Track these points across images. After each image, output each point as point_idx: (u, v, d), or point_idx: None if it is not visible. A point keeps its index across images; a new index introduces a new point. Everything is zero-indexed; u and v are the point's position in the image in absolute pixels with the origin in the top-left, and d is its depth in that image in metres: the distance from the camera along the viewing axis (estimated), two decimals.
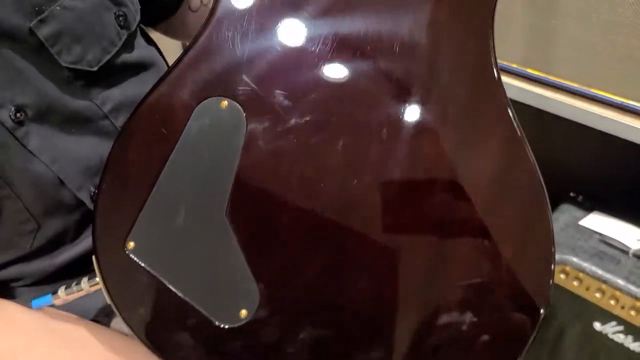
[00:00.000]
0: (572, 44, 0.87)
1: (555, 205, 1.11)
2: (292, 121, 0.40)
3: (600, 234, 0.97)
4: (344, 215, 0.39)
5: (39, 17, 0.43)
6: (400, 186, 0.39)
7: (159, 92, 0.42)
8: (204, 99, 0.41)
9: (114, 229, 0.41)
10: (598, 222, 1.02)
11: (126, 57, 0.50)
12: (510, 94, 0.98)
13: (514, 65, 0.94)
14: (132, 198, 0.41)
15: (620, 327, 0.92)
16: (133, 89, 0.50)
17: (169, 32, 0.63)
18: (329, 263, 0.39)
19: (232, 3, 0.41)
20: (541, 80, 0.93)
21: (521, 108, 0.93)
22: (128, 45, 0.50)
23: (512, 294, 0.39)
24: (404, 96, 0.39)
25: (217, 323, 0.39)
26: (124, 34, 0.49)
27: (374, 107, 0.39)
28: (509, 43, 0.91)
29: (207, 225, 0.40)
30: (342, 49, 0.40)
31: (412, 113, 0.39)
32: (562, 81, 0.91)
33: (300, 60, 0.40)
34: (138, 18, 0.51)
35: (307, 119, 0.40)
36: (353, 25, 0.40)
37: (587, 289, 0.97)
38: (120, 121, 0.49)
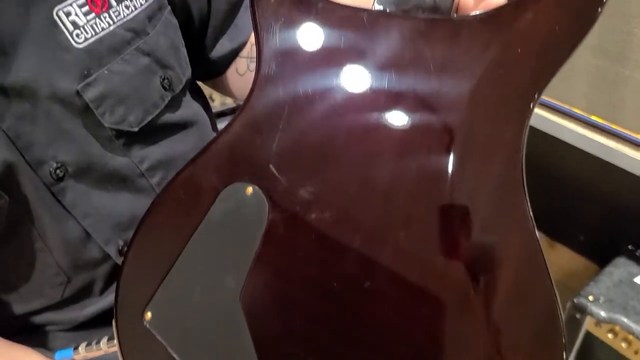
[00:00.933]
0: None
1: (611, 258, 1.06)
2: (313, 216, 0.40)
3: None
4: (353, 318, 0.39)
5: (86, 81, 0.44)
6: (412, 294, 0.38)
7: (191, 171, 0.43)
8: (231, 183, 0.41)
9: (135, 297, 0.43)
10: None
11: (168, 117, 0.51)
12: (571, 140, 0.94)
13: (577, 111, 0.90)
14: (155, 269, 0.42)
15: None
16: (172, 147, 0.52)
17: (215, 88, 0.64)
18: None
19: (266, 93, 0.41)
20: (605, 128, 0.88)
21: (581, 155, 0.89)
22: (171, 106, 0.51)
23: None
24: (424, 198, 0.38)
25: None
26: (168, 96, 0.50)
27: (394, 210, 0.39)
28: (574, 87, 0.87)
29: (220, 306, 0.41)
30: (368, 149, 0.39)
31: (429, 218, 0.38)
32: (627, 132, 0.86)
33: (327, 157, 0.40)
34: (185, 79, 0.52)
35: (327, 215, 0.39)
36: (381, 124, 0.39)
37: (636, 352, 0.92)
38: (155, 179, 0.51)
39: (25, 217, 0.44)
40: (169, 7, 0.51)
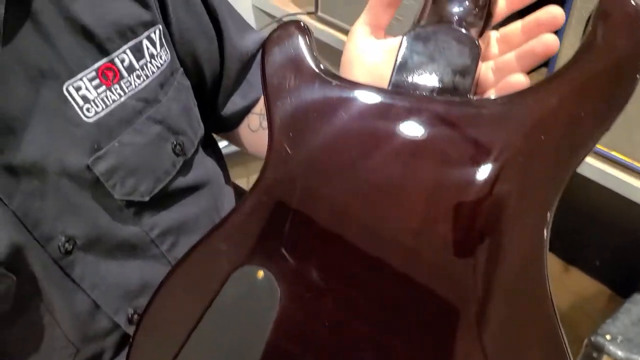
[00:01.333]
0: None
1: (625, 284, 1.05)
2: (326, 303, 0.39)
3: None
4: None
5: (96, 154, 0.43)
6: None
7: (201, 251, 0.42)
8: (242, 266, 0.40)
9: None
10: None
11: (180, 182, 0.50)
12: (591, 174, 0.92)
13: (598, 146, 0.88)
14: (164, 351, 0.42)
15: None
16: (183, 211, 0.51)
17: (227, 140, 0.63)
18: None
19: (278, 173, 0.40)
20: (625, 165, 0.86)
21: (600, 189, 0.87)
22: (183, 170, 0.50)
23: None
24: (441, 296, 0.37)
25: None
26: (180, 162, 0.49)
27: (408, 303, 0.37)
28: None
29: None
30: (382, 238, 0.38)
31: (447, 315, 0.37)
32: None
33: (340, 243, 0.39)
34: (197, 140, 0.51)
35: (341, 303, 0.38)
36: (395, 210, 0.38)
37: None
38: (165, 246, 0.50)
39: (33, 293, 0.43)
40: (181, 69, 0.50)
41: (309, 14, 1.13)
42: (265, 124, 0.57)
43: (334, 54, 1.07)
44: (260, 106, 0.57)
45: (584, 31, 0.38)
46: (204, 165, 0.54)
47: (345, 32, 1.04)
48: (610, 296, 1.36)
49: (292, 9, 1.16)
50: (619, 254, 1.31)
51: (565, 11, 0.72)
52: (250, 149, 0.60)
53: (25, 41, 0.39)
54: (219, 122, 0.58)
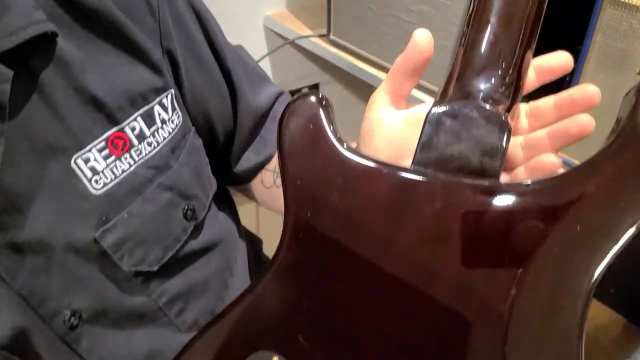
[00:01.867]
0: None
1: None
2: None
3: None
4: None
5: (104, 227, 0.42)
6: None
7: (213, 334, 0.40)
8: (255, 351, 0.38)
9: None
10: None
11: (191, 246, 0.48)
12: None
13: None
14: None
15: None
16: (192, 275, 0.49)
17: (241, 193, 0.61)
18: None
19: (294, 256, 0.38)
20: None
21: None
22: (195, 233, 0.48)
23: None
24: None
25: None
26: (191, 226, 0.47)
27: None
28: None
29: None
30: (405, 322, 0.36)
31: None
32: None
33: (362, 330, 0.37)
34: (209, 201, 0.49)
35: None
36: (418, 303, 0.36)
37: None
38: (173, 312, 0.48)
39: None
40: (193, 129, 0.49)
41: (320, 36, 1.11)
42: (279, 181, 0.55)
43: (345, 76, 1.05)
44: (274, 163, 0.55)
45: (622, 114, 0.36)
46: (217, 223, 0.52)
47: (358, 55, 1.03)
48: (624, 325, 1.34)
49: (305, 31, 1.14)
50: (635, 283, 1.28)
51: (584, 46, 0.69)
52: (263, 204, 0.58)
53: (32, 114, 0.38)
54: (232, 177, 0.56)
